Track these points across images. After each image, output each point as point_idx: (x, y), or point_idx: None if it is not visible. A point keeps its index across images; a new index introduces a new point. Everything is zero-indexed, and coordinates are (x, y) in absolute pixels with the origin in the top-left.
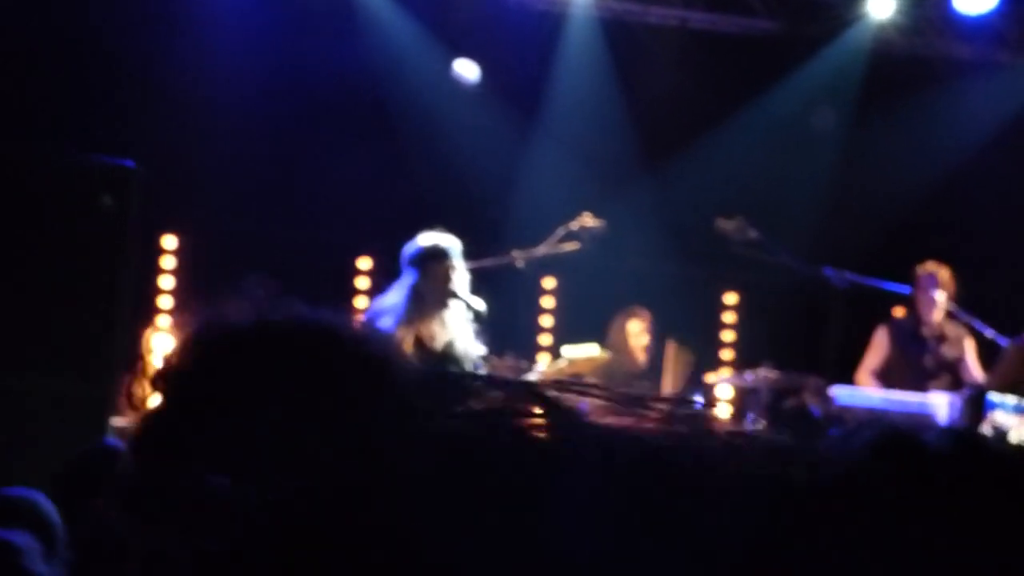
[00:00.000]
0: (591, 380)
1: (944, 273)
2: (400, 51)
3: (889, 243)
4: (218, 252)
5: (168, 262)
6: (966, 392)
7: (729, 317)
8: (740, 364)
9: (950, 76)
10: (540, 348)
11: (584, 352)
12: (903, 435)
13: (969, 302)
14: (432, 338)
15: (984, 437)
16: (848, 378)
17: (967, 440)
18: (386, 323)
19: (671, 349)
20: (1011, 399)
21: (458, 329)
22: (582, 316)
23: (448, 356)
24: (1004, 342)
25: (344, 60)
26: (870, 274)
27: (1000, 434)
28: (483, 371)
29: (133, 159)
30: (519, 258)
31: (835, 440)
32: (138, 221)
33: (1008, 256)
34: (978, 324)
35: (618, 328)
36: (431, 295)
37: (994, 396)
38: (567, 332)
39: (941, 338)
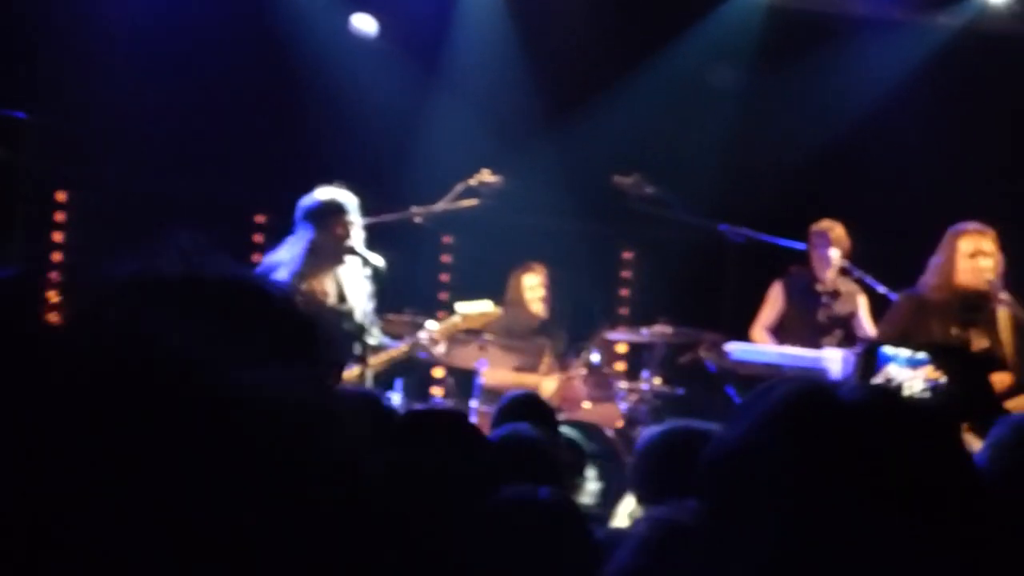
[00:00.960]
0: (487, 336)
1: (838, 230)
2: (297, 5)
3: (786, 200)
4: (112, 207)
5: (61, 217)
6: (859, 347)
7: (626, 273)
8: (637, 320)
9: (847, 33)
10: (439, 304)
11: (477, 308)
12: (817, 391)
13: (864, 259)
14: (326, 294)
15: (893, 392)
16: (744, 334)
17: (878, 395)
18: (280, 277)
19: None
20: (904, 352)
21: (354, 285)
22: (481, 272)
23: (343, 312)
24: (894, 297)
25: (242, 14)
26: (767, 231)
27: (894, 388)
28: (378, 327)
29: (26, 111)
30: (418, 214)
31: (751, 397)
32: (30, 174)
33: (903, 213)
34: (872, 281)
35: (514, 283)
36: (327, 250)
37: (887, 350)
38: (466, 288)
39: (835, 294)
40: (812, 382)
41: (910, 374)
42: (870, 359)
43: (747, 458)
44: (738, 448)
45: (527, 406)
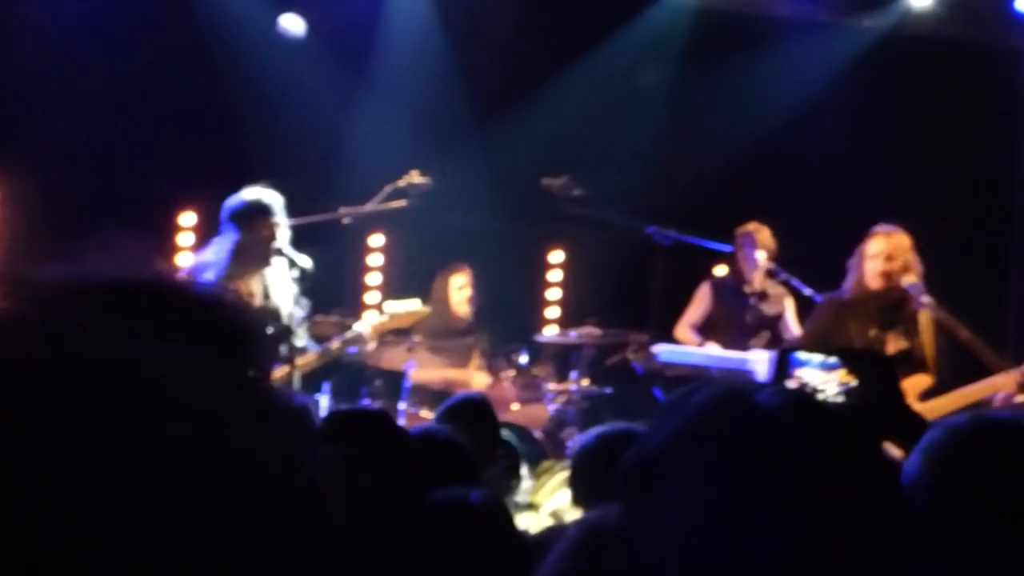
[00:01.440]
0: (415, 337)
1: (764, 232)
2: (225, 4)
3: (713, 201)
4: (36, 204)
5: None
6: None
7: (555, 275)
8: (566, 321)
9: (774, 35)
10: (367, 305)
11: (404, 307)
12: (736, 395)
13: (790, 261)
14: (252, 295)
15: (809, 396)
16: (672, 334)
17: (795, 399)
18: (207, 278)
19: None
20: (817, 357)
21: (280, 286)
22: (410, 273)
23: (268, 313)
24: (819, 299)
25: (169, 13)
26: (694, 232)
27: (809, 392)
28: (305, 329)
29: None
30: (346, 215)
31: (673, 401)
32: None
33: (828, 215)
34: (797, 283)
35: (440, 284)
36: (253, 251)
37: (800, 354)
38: (395, 289)
39: (762, 296)
40: (732, 386)
41: (823, 378)
42: (783, 363)
43: (668, 462)
44: (659, 452)
45: (471, 408)
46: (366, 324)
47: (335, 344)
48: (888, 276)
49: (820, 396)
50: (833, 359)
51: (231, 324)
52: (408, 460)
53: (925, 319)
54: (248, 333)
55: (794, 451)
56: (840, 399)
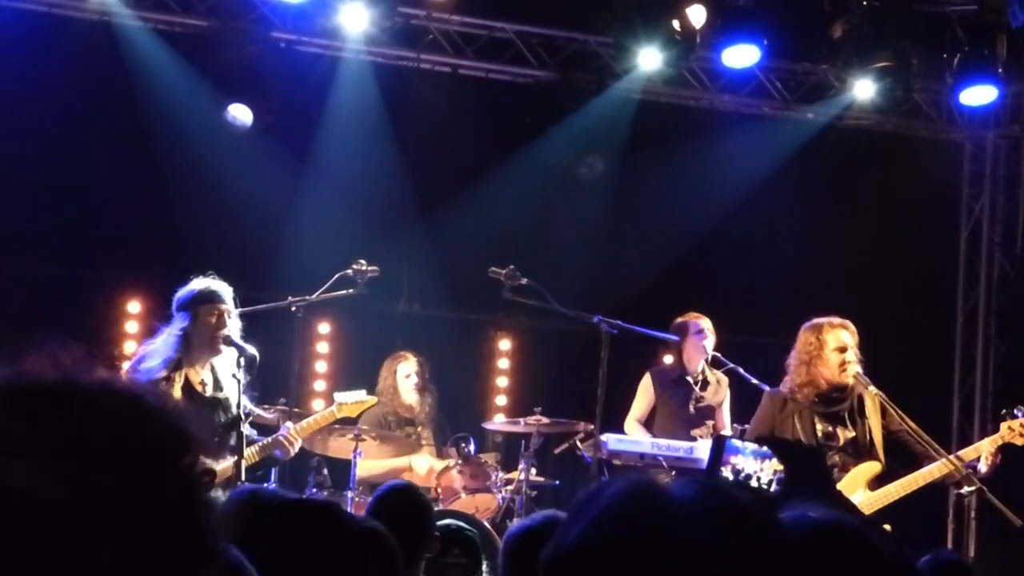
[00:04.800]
0: (362, 426)
1: (707, 322)
2: (171, 93)
3: (658, 289)
4: None
5: None
6: (712, 439)
7: (503, 363)
8: (514, 410)
9: (717, 127)
10: (315, 394)
11: (354, 397)
12: (646, 489)
13: (733, 349)
14: (202, 383)
15: (720, 487)
16: (618, 423)
17: (706, 491)
18: (153, 365)
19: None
20: (751, 445)
21: (228, 375)
22: (357, 361)
23: (218, 402)
24: (765, 388)
25: (114, 101)
26: (639, 320)
27: (743, 479)
28: (252, 417)
29: None
30: (293, 303)
31: (587, 496)
32: None
33: (771, 304)
34: (741, 371)
35: (387, 373)
36: (202, 340)
37: (734, 442)
38: (342, 377)
39: (704, 384)
40: (643, 479)
41: (757, 465)
42: (718, 450)
43: (581, 559)
44: (573, 549)
45: (402, 497)
46: (285, 430)
47: (267, 441)
48: (847, 366)
49: (753, 483)
50: (764, 448)
51: (171, 425)
52: (359, 553)
53: (871, 404)
54: (187, 429)
55: (703, 544)
56: (773, 486)
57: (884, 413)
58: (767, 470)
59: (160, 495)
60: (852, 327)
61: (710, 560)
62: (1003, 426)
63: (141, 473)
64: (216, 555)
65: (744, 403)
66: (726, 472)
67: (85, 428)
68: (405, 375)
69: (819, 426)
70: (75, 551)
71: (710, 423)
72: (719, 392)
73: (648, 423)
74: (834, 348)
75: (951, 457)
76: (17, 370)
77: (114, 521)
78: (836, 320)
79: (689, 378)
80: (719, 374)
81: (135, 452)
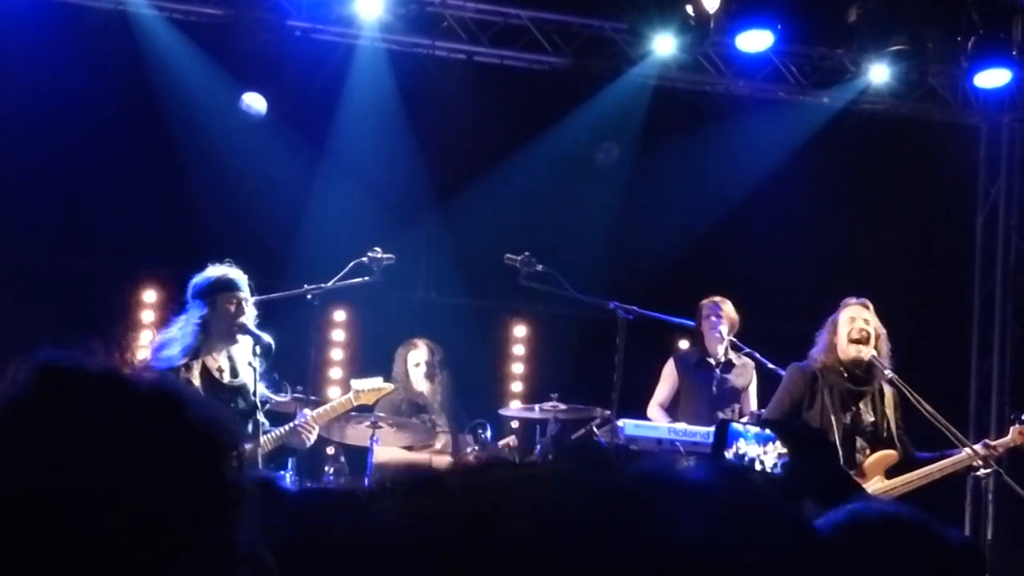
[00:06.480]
0: (378, 412)
1: (728, 305)
2: (186, 82)
3: (675, 275)
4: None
5: None
6: (750, 420)
7: (519, 349)
8: (529, 396)
9: (733, 112)
10: (331, 381)
11: (369, 384)
12: (661, 470)
13: (752, 335)
14: (220, 371)
15: (734, 468)
16: (635, 409)
17: (719, 472)
18: (173, 354)
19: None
20: (753, 429)
21: (245, 363)
22: (373, 349)
23: (236, 390)
24: (783, 372)
25: (129, 90)
26: (656, 306)
27: (747, 463)
28: (269, 405)
29: None
30: (309, 291)
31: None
32: None
33: (789, 289)
34: (760, 357)
35: (399, 360)
36: (220, 328)
37: (737, 426)
38: (358, 365)
39: (728, 367)
40: (659, 461)
41: (760, 449)
42: (721, 435)
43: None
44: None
45: None
46: (303, 416)
47: (284, 430)
48: (860, 344)
49: (759, 467)
50: (768, 431)
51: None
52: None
53: (890, 395)
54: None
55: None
56: (778, 470)
57: (903, 401)
58: (771, 454)
59: (200, 496)
60: (869, 305)
61: (721, 552)
62: (1012, 430)
63: (184, 473)
64: (250, 559)
65: (763, 388)
66: (729, 456)
67: (133, 425)
68: (415, 363)
69: (848, 405)
70: (109, 545)
71: (736, 406)
72: (744, 374)
73: (673, 408)
74: (846, 324)
75: (975, 447)
76: (68, 354)
77: (153, 516)
78: (853, 299)
79: (711, 359)
80: (745, 358)
81: (180, 451)
